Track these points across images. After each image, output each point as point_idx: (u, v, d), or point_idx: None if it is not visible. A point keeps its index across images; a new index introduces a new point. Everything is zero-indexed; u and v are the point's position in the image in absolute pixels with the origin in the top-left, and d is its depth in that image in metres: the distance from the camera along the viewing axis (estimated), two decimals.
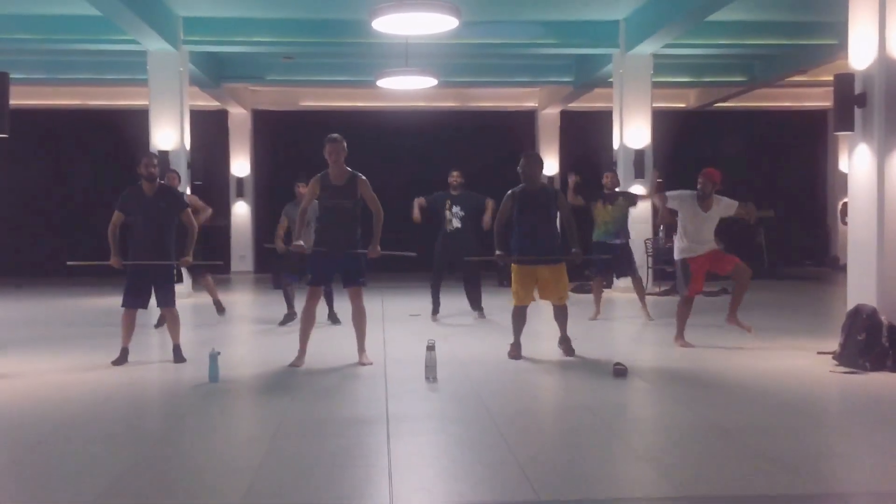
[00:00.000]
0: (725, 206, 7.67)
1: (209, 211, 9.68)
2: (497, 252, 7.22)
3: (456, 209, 9.62)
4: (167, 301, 7.09)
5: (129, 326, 7.01)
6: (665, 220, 8.28)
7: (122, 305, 7.00)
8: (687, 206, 7.68)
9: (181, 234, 7.15)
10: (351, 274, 6.89)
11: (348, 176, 6.77)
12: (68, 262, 7.78)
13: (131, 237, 7.08)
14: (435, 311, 9.88)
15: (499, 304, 9.98)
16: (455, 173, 9.71)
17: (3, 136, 6.62)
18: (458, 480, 3.96)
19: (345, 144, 6.76)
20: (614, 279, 9.89)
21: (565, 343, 7.33)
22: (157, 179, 7.08)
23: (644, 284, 10.41)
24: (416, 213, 9.65)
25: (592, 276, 10.43)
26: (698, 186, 7.62)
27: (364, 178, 6.80)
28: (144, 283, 6.98)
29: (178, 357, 7.00)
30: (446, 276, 9.97)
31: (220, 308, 9.95)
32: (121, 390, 6.03)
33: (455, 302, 10.18)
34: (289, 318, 9.33)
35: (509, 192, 7.22)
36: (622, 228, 9.75)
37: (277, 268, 10.32)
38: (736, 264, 7.68)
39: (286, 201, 9.63)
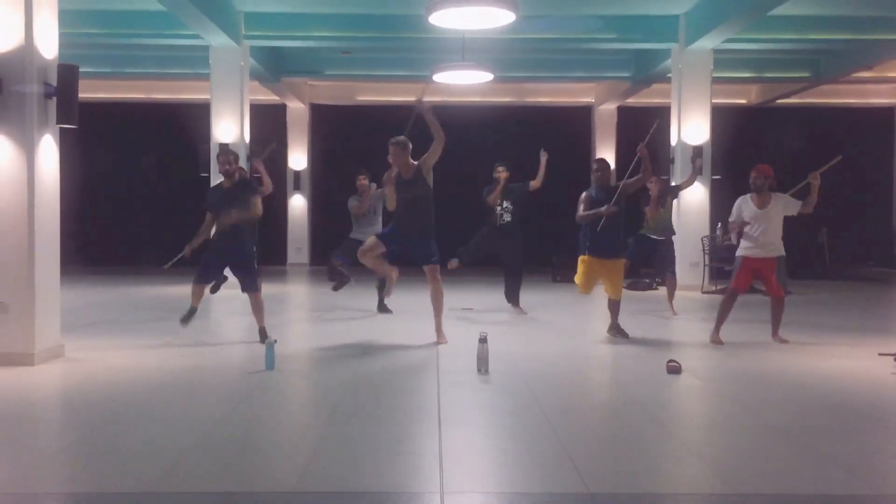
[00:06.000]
0: (786, 204, 7.54)
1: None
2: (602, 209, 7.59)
3: (506, 204, 9.55)
4: (251, 287, 7.53)
5: (197, 293, 7.53)
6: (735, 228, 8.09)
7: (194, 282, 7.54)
8: (743, 208, 7.63)
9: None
10: (424, 254, 7.47)
11: (414, 168, 7.48)
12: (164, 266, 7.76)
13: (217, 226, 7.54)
14: (462, 259, 9.80)
15: (553, 299, 9.95)
16: (500, 167, 9.56)
17: (72, 126, 6.83)
18: (508, 471, 3.99)
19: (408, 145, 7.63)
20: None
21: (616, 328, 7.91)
22: (236, 175, 7.50)
23: (703, 282, 10.31)
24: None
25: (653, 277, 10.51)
26: (750, 182, 7.57)
27: (419, 162, 7.50)
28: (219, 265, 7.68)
29: (264, 338, 7.25)
30: (477, 263, 9.94)
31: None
32: (181, 375, 6.21)
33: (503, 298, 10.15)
34: (341, 282, 9.63)
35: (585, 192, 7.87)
36: (668, 227, 9.90)
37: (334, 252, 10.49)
38: (772, 294, 7.73)
39: (343, 194, 9.77)
